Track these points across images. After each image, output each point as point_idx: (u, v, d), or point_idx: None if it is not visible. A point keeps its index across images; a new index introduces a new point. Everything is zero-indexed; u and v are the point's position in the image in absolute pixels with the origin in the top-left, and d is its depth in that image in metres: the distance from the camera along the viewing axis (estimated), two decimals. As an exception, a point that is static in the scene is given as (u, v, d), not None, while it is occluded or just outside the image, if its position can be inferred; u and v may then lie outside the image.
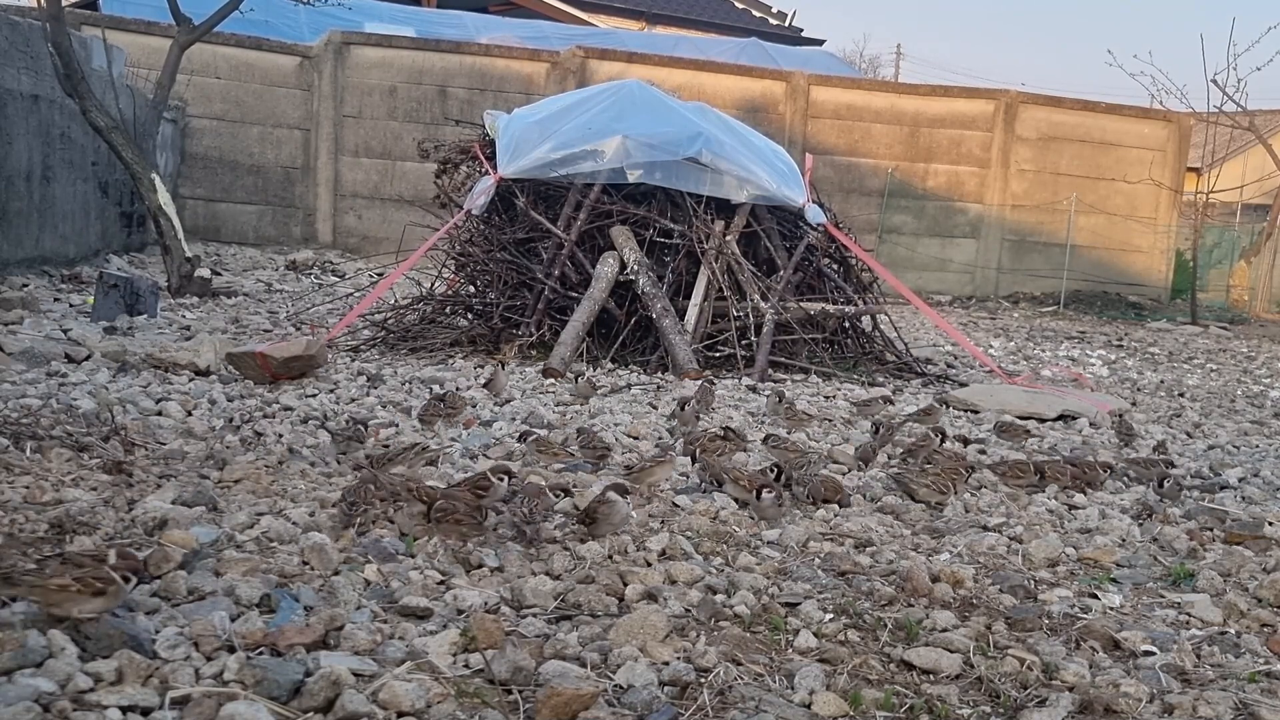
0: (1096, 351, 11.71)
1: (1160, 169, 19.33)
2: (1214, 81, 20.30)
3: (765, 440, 5.22)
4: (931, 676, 2.78)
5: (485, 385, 6.29)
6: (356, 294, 9.99)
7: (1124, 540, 4.15)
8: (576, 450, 4.75)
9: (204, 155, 16.53)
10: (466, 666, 2.60)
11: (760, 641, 2.92)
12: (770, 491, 4.01)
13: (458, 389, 6.33)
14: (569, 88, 16.04)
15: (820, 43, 27.92)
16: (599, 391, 6.58)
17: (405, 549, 3.38)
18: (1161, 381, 9.43)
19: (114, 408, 4.93)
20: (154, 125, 10.78)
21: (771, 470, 4.28)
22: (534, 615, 2.94)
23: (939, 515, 4.36)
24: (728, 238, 8.27)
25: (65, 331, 7.01)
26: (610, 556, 3.49)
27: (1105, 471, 5.03)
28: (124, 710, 2.23)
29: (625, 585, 3.20)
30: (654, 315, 7.76)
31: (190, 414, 5.16)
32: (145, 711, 2.24)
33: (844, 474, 4.93)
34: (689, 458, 4.68)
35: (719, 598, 3.17)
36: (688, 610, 3.07)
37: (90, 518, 3.35)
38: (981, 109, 19.07)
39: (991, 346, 11.39)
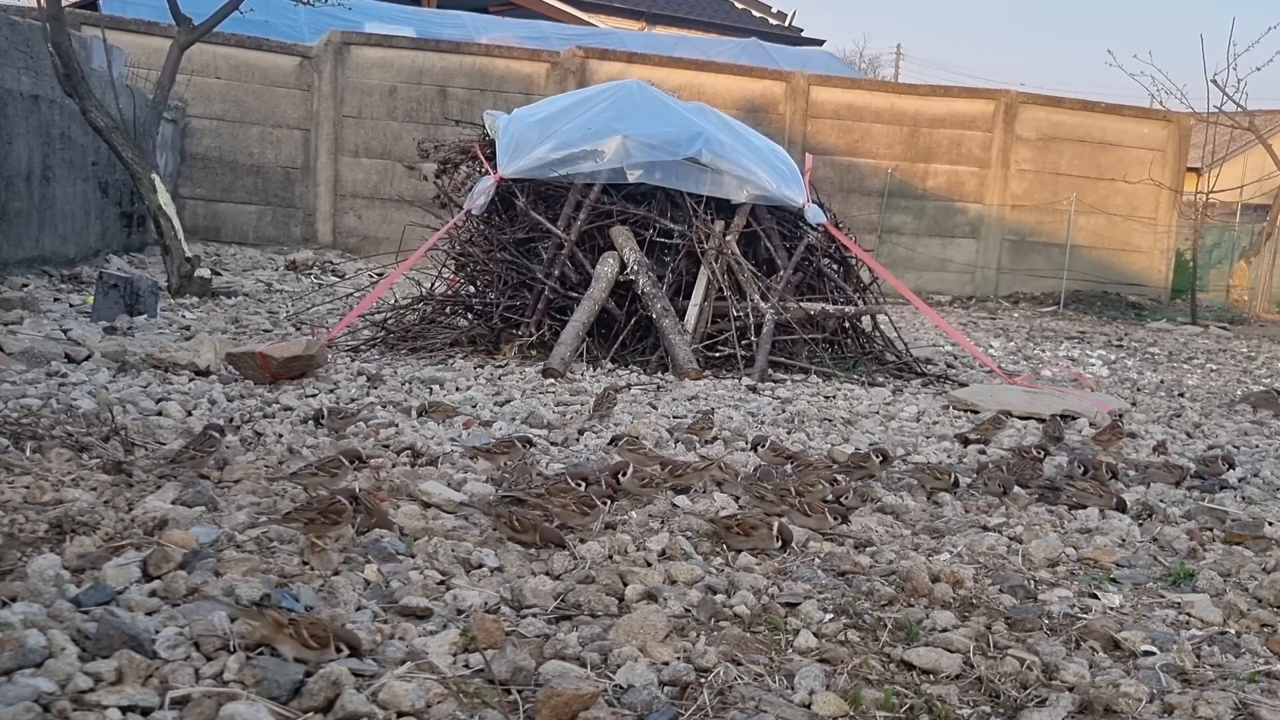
0: (1096, 351, 11.71)
1: (1160, 169, 19.33)
2: (1214, 81, 20.30)
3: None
4: (931, 676, 2.78)
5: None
6: (356, 294, 9.99)
7: (1124, 540, 4.15)
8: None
9: (204, 155, 16.53)
10: (466, 666, 2.60)
11: (760, 641, 2.91)
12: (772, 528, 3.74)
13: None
14: (569, 88, 16.04)
15: (820, 43, 27.92)
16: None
17: (405, 549, 3.38)
18: (1161, 381, 9.43)
19: (114, 408, 4.93)
20: (154, 125, 10.78)
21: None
22: (534, 615, 2.94)
23: (939, 515, 4.36)
24: (728, 238, 8.27)
25: (65, 331, 7.01)
26: (610, 556, 3.49)
27: (1109, 473, 5.03)
28: (124, 710, 2.23)
29: (625, 585, 3.20)
30: (654, 315, 7.76)
31: (190, 414, 5.16)
32: (145, 711, 2.24)
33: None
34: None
35: (719, 598, 3.17)
36: (688, 610, 3.07)
37: (90, 518, 3.35)
38: (981, 109, 19.07)
39: (991, 346, 11.39)
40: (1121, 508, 4.56)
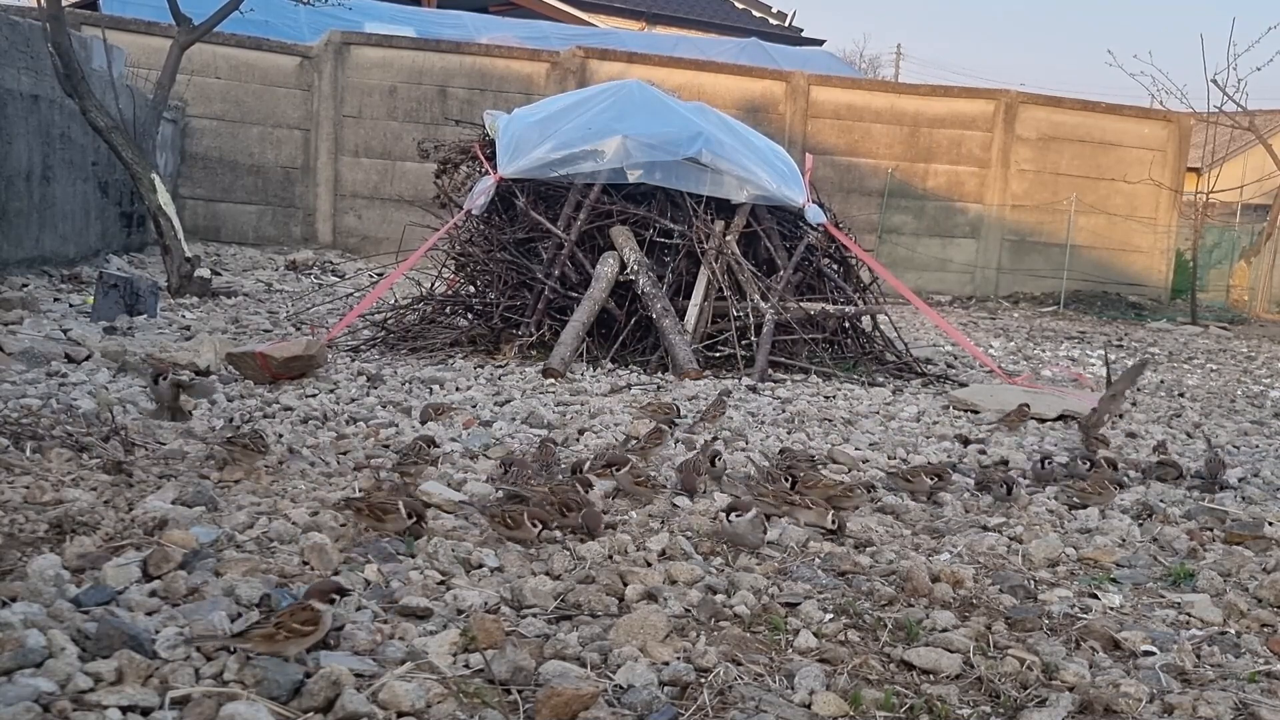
0: (1096, 351, 11.71)
1: (1160, 169, 19.33)
2: (1214, 81, 20.30)
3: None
4: (931, 676, 2.78)
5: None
6: (356, 294, 9.99)
7: (1124, 540, 4.15)
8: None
9: (204, 155, 16.53)
10: (466, 666, 2.60)
11: (760, 641, 2.91)
12: (743, 513, 3.69)
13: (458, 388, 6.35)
14: (569, 88, 16.03)
15: (820, 43, 27.93)
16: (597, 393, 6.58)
17: (405, 549, 3.38)
18: (1161, 381, 9.43)
19: (114, 408, 4.93)
20: (154, 125, 10.78)
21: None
22: (534, 615, 2.94)
23: (939, 515, 4.36)
24: (728, 238, 8.27)
25: (65, 331, 7.01)
26: (610, 556, 3.49)
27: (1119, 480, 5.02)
28: (124, 710, 2.23)
29: (625, 585, 3.20)
30: (654, 315, 7.76)
31: (190, 414, 5.16)
32: (145, 711, 2.24)
33: (846, 472, 4.95)
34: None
35: (719, 598, 3.17)
36: (688, 610, 3.07)
37: (90, 518, 3.35)
38: (981, 109, 19.08)
39: (991, 346, 11.39)
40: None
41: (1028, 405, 6.55)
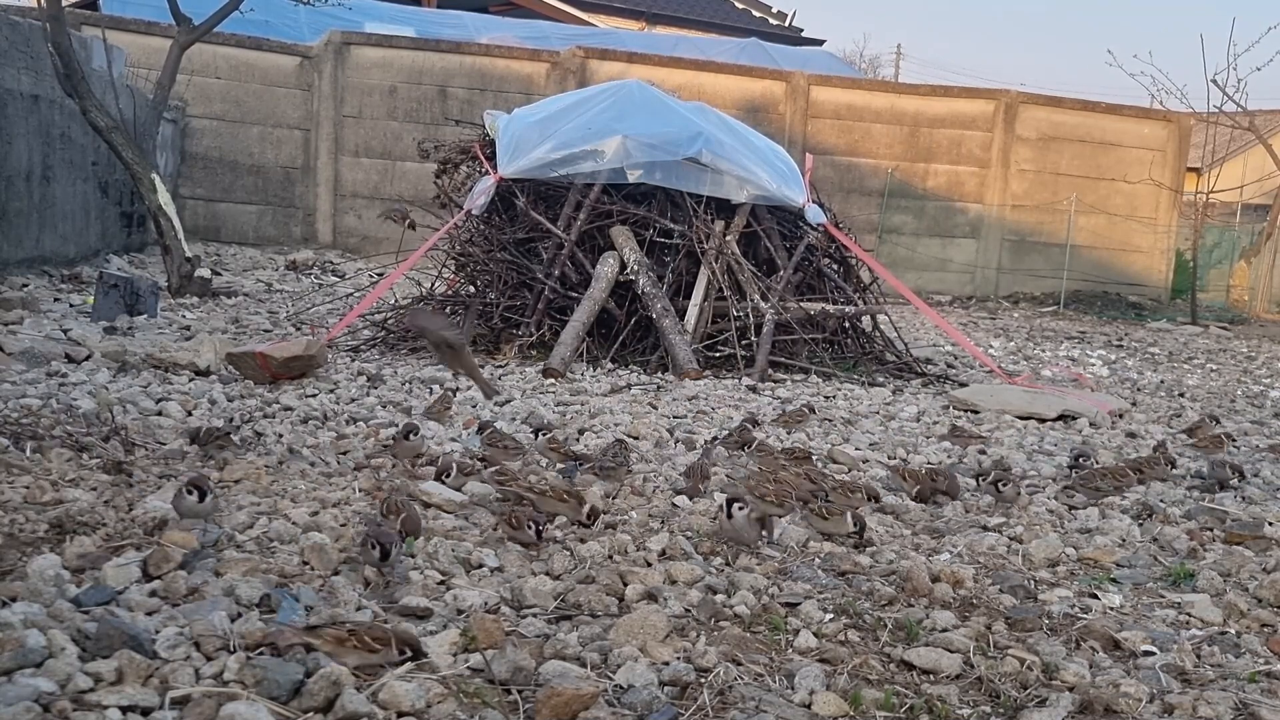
0: (1096, 351, 11.71)
1: (1160, 169, 19.33)
2: (1214, 81, 20.31)
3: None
4: (931, 676, 2.78)
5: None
6: (356, 294, 9.99)
7: (1124, 540, 4.14)
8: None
9: (204, 155, 16.53)
10: (467, 666, 2.60)
11: (760, 641, 2.91)
12: (743, 509, 3.64)
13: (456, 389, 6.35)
14: (569, 88, 16.04)
15: (820, 43, 27.93)
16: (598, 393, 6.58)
17: (405, 549, 3.38)
18: (1161, 381, 9.43)
19: (114, 408, 4.94)
20: (154, 125, 10.78)
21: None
22: (534, 615, 2.94)
23: (939, 515, 4.36)
24: (728, 238, 8.27)
25: (65, 331, 7.01)
26: (610, 556, 3.49)
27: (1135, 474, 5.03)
28: (124, 710, 2.23)
29: (625, 585, 3.20)
30: (654, 315, 7.76)
31: (190, 414, 5.16)
32: (145, 711, 2.24)
33: (845, 472, 4.94)
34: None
35: (719, 598, 3.17)
36: (688, 610, 3.07)
37: (90, 518, 3.35)
38: (981, 109, 19.08)
39: (991, 346, 11.39)
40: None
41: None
